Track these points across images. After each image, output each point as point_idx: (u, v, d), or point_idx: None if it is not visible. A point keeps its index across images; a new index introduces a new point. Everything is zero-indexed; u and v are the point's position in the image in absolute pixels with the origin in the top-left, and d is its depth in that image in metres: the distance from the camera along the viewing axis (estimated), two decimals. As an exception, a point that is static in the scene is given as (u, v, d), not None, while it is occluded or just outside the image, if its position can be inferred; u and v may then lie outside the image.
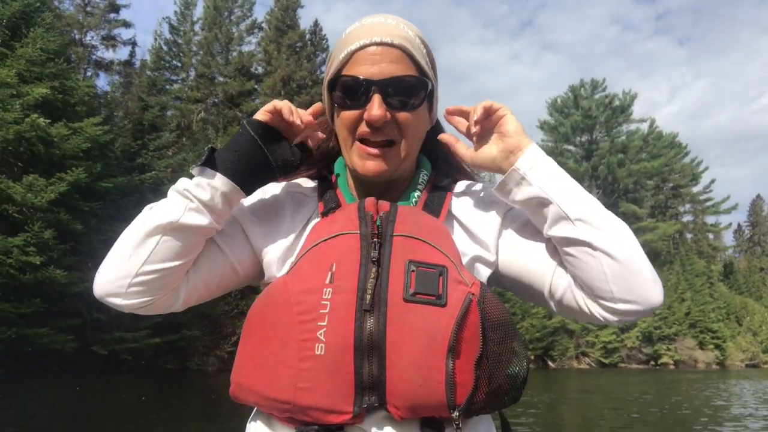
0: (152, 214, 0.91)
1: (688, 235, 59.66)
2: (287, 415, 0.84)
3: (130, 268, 0.89)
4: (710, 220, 62.00)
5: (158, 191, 20.91)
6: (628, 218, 52.21)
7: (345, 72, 0.93)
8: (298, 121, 0.95)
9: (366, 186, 1.01)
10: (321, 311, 0.81)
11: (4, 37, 16.67)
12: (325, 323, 0.81)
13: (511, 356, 0.83)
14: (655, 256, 49.25)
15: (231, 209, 0.96)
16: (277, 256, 0.97)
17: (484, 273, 0.98)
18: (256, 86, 38.46)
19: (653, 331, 44.79)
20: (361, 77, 0.91)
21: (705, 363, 46.08)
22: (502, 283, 1.03)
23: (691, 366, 45.22)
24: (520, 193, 0.93)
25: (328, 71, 0.99)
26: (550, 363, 38.68)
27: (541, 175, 0.92)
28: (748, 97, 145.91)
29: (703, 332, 47.12)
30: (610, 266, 0.86)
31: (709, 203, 59.21)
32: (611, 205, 51.72)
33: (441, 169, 1.07)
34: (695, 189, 58.85)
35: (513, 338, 0.84)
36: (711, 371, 41.70)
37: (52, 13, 19.18)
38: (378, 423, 0.83)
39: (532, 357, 35.87)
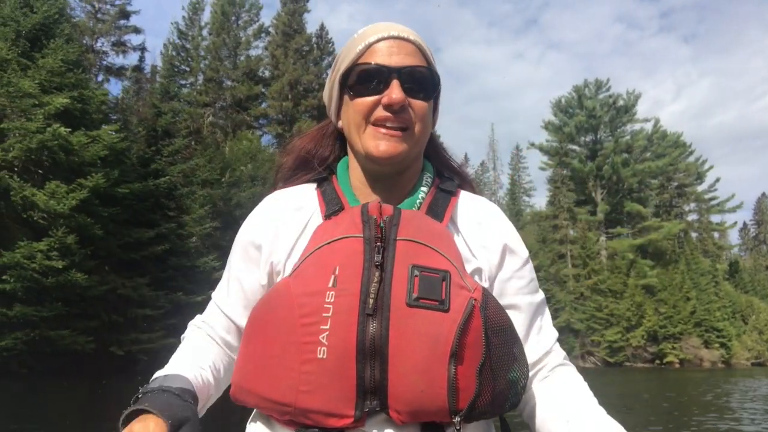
0: None
1: (693, 234, 59.50)
2: (288, 417, 0.83)
3: None
4: (715, 218, 61.72)
5: (171, 196, 21.43)
6: (633, 218, 52.37)
7: (362, 61, 0.96)
8: None
9: (372, 181, 1.00)
10: (324, 314, 0.81)
11: (24, 47, 17.12)
12: (327, 327, 0.80)
13: (512, 361, 0.84)
14: (660, 256, 49.35)
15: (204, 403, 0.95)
16: (280, 259, 0.97)
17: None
18: (263, 90, 38.89)
19: (658, 330, 44.67)
20: (382, 63, 0.94)
21: (710, 362, 45.74)
22: None
23: (696, 365, 44.90)
24: None
25: (339, 65, 1.00)
26: (555, 362, 38.76)
27: None
28: (754, 95, 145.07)
29: (708, 331, 46.72)
30: None
31: (714, 202, 58.93)
32: (616, 205, 52.03)
33: (442, 173, 1.08)
34: (700, 188, 58.62)
35: (514, 343, 0.85)
36: (716, 370, 41.56)
37: (70, 24, 19.64)
38: (379, 427, 0.82)
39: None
